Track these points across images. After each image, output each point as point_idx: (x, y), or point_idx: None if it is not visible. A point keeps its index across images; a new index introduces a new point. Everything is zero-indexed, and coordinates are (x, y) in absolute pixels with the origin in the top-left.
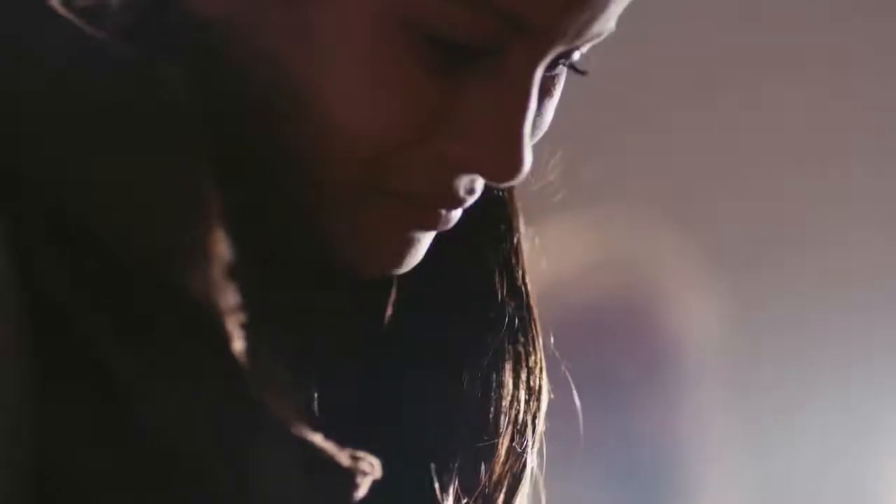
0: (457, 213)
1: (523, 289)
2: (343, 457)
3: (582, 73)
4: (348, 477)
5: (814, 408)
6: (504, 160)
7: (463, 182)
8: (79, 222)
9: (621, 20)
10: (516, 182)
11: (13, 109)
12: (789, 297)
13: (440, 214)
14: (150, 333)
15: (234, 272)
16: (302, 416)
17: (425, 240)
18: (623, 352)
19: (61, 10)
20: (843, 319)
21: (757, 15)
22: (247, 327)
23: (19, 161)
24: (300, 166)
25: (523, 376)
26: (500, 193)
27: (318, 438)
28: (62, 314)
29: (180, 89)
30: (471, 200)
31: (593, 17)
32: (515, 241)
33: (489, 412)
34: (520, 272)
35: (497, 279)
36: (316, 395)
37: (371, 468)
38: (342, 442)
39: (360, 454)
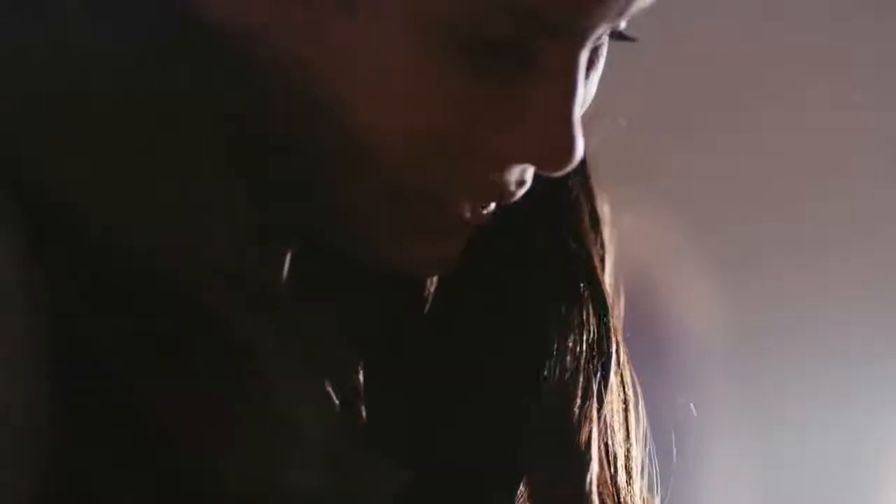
0: (492, 207)
1: (600, 289)
2: (380, 476)
3: (631, 39)
4: (383, 497)
5: (815, 406)
6: (557, 145)
7: (514, 174)
8: (102, 240)
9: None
10: (570, 167)
11: (36, 123)
12: (793, 295)
13: (479, 210)
14: (176, 357)
15: (267, 285)
16: (340, 431)
17: (462, 237)
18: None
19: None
20: (845, 318)
21: (757, 21)
22: (282, 340)
23: (40, 175)
24: (336, 169)
25: (599, 384)
26: (570, 185)
27: (354, 454)
28: (82, 336)
29: (210, 96)
30: (521, 192)
31: (628, 5)
32: (589, 232)
33: (571, 425)
34: (596, 272)
35: (567, 281)
36: (359, 404)
37: (407, 486)
38: (386, 453)
39: (398, 470)
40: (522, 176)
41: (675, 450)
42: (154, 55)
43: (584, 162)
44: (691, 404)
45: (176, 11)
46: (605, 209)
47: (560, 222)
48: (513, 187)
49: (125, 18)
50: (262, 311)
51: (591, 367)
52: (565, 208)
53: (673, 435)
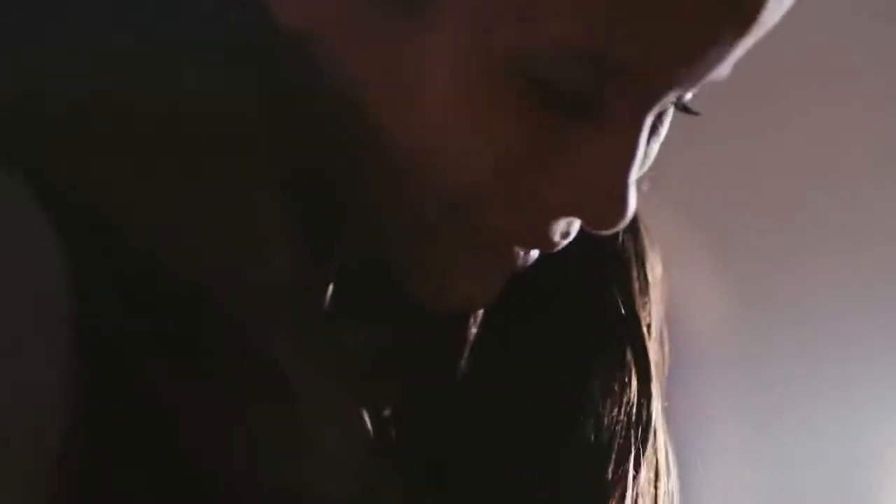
0: (536, 253)
1: (639, 330)
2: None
3: (694, 113)
4: None
5: (815, 406)
6: (608, 209)
7: (560, 226)
8: (146, 251)
9: None
10: (617, 229)
11: (78, 131)
12: (793, 294)
13: (521, 254)
14: (207, 368)
15: (310, 310)
16: (364, 449)
17: (501, 279)
18: None
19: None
20: (845, 318)
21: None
22: (318, 365)
23: (76, 187)
24: (388, 199)
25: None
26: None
27: (376, 473)
28: (114, 346)
29: (260, 112)
30: (564, 244)
31: (710, 68)
32: (638, 280)
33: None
34: (642, 314)
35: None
36: (387, 426)
37: None
38: (414, 482)
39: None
40: (568, 228)
41: (676, 443)
42: (224, 68)
43: (636, 220)
44: (693, 401)
45: (249, 23)
46: (656, 268)
47: (610, 283)
48: (557, 237)
49: (203, 28)
50: (301, 334)
51: (629, 432)
52: (616, 268)
53: (674, 428)
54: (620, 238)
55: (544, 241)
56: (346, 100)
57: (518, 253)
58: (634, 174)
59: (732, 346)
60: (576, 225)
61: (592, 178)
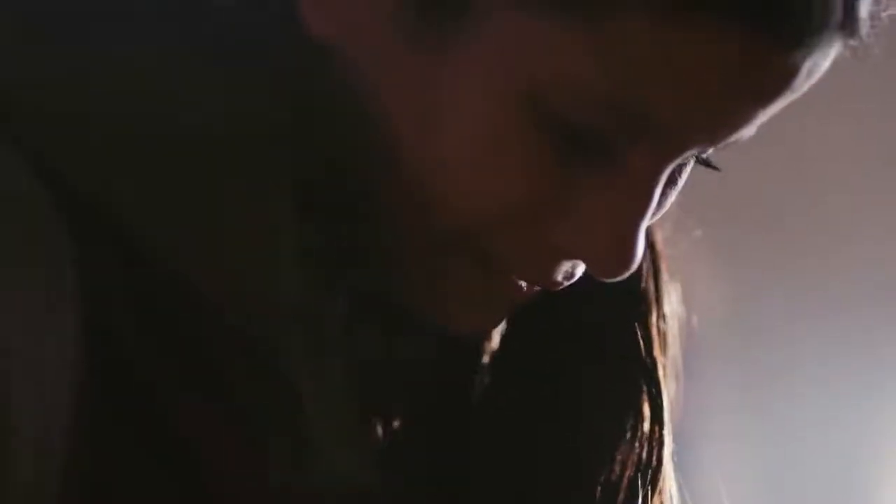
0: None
1: (650, 361)
2: None
3: (715, 168)
4: None
5: (815, 406)
6: (614, 258)
7: (564, 267)
8: (157, 264)
9: None
10: (622, 278)
11: (100, 140)
12: (792, 294)
13: (525, 287)
14: (216, 379)
15: (323, 327)
16: (369, 466)
17: (506, 308)
18: None
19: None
20: (845, 317)
21: None
22: (327, 380)
23: (96, 193)
24: (390, 217)
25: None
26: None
27: (379, 487)
28: (124, 353)
29: (279, 124)
30: (566, 284)
31: (733, 132)
32: (654, 313)
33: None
34: (654, 343)
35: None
36: (396, 439)
37: None
38: (417, 496)
39: None
40: (573, 270)
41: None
42: (250, 82)
43: (657, 257)
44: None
45: (282, 41)
46: (676, 306)
47: (631, 322)
48: (559, 277)
49: (231, 42)
50: (313, 347)
51: (638, 475)
52: (638, 308)
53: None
54: (643, 277)
55: (546, 280)
56: (367, 123)
57: (526, 286)
58: (644, 227)
59: (731, 345)
60: (580, 268)
61: (602, 226)
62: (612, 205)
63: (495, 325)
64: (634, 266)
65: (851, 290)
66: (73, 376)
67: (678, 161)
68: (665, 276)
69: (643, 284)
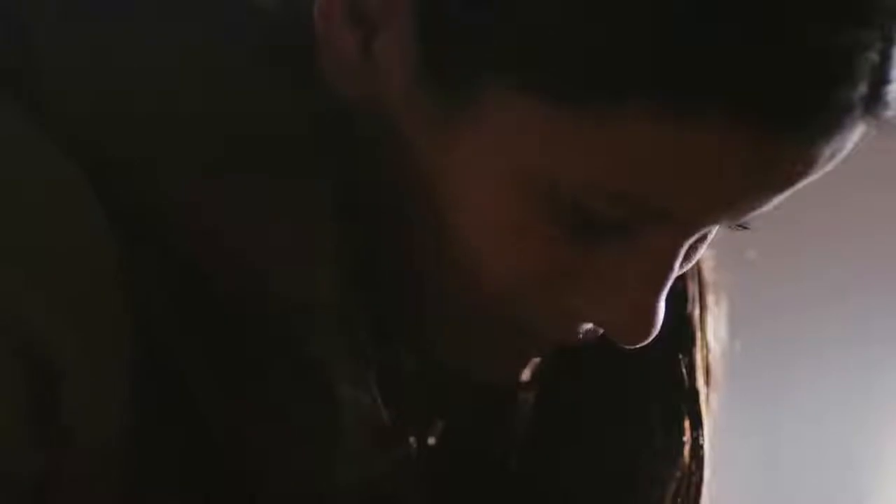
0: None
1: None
2: None
3: (744, 227)
4: None
5: (815, 405)
6: (634, 327)
7: (587, 326)
8: (197, 265)
9: None
10: (642, 344)
11: (152, 147)
12: (793, 293)
13: (551, 342)
14: (258, 383)
15: (348, 319)
16: (399, 472)
17: (527, 360)
18: None
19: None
20: (844, 317)
21: None
22: (357, 376)
23: (140, 198)
24: (416, 274)
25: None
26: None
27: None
28: (169, 356)
29: (326, 168)
30: (589, 338)
31: (756, 209)
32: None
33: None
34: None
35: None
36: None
37: None
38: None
39: None
40: (596, 331)
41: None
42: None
43: (705, 291)
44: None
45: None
46: (720, 334)
47: (675, 353)
48: (581, 336)
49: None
50: (348, 352)
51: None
52: (684, 339)
53: None
54: (689, 307)
55: (569, 337)
56: (406, 184)
57: (551, 342)
58: (664, 296)
59: (731, 344)
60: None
61: (622, 299)
62: (632, 276)
63: (516, 376)
64: (655, 332)
65: (849, 285)
66: (129, 377)
67: (699, 234)
68: (711, 305)
69: (689, 311)
